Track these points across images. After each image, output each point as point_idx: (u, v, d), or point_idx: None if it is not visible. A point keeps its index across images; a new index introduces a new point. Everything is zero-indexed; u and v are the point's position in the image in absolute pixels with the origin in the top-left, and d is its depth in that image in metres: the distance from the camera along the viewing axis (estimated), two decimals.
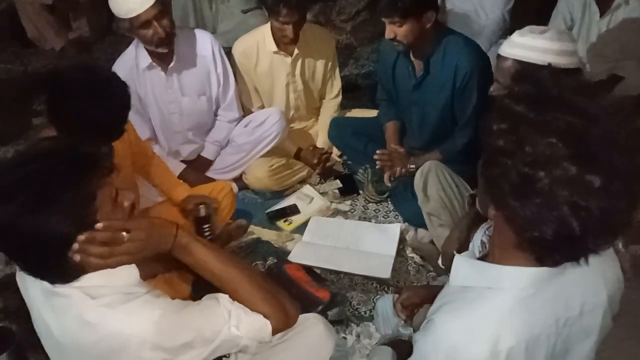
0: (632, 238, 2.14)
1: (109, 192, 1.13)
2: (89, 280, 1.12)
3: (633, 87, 2.99)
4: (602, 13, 2.98)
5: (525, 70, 1.71)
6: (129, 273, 1.17)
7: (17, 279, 1.25)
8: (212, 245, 1.28)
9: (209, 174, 2.71)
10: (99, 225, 1.08)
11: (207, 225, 2.06)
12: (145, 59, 2.39)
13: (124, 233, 1.12)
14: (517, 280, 0.94)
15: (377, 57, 3.69)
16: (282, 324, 1.29)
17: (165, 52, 2.34)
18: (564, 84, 0.87)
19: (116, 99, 1.61)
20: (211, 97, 2.60)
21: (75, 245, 1.06)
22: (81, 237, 1.06)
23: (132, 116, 2.15)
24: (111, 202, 1.13)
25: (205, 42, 2.51)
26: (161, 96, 2.50)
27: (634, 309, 1.66)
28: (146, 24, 2.20)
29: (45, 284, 1.12)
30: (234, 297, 1.24)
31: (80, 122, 1.53)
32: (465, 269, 1.03)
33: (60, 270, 1.10)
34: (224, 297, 1.24)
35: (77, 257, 1.07)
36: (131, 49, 2.42)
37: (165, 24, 2.24)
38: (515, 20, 3.31)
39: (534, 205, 0.83)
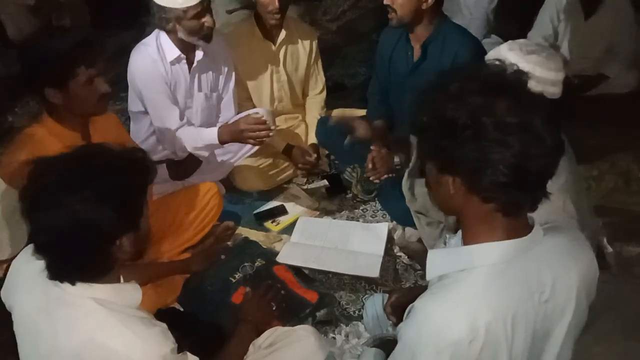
0: (618, 235, 2.16)
1: (147, 199, 1.21)
2: (100, 291, 1.14)
3: (617, 86, 3.06)
4: (588, 15, 3.01)
5: None
6: (134, 295, 1.21)
7: (3, 294, 1.27)
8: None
9: (197, 175, 2.69)
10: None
11: None
12: (172, 51, 2.34)
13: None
14: (486, 256, 0.99)
15: (364, 57, 3.72)
16: None
17: (201, 44, 2.34)
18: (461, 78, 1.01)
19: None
20: (220, 95, 2.59)
21: None
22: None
23: (169, 106, 2.33)
24: (148, 209, 1.21)
25: (218, 38, 2.50)
26: (181, 91, 2.46)
27: (621, 304, 1.68)
28: (201, 13, 2.23)
29: (55, 294, 1.13)
30: None
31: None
32: (438, 259, 1.08)
33: (97, 264, 1.13)
34: None
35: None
36: (150, 42, 2.35)
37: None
38: (499, 19, 3.34)
39: (470, 141, 0.93)
